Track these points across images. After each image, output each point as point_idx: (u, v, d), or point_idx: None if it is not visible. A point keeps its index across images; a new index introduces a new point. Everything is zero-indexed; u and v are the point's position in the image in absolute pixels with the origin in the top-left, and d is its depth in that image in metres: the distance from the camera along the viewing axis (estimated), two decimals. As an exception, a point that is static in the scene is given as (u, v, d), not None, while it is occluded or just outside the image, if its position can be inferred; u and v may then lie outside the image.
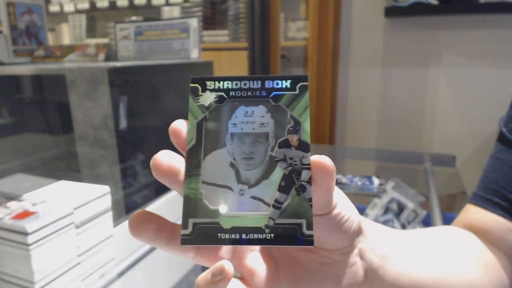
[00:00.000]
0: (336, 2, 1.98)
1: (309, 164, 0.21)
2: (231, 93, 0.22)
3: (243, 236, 0.20)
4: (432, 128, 2.04)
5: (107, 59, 1.03)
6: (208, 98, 0.22)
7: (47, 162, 1.00)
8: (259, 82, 0.22)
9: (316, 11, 1.93)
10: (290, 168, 0.21)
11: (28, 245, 0.46)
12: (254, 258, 0.25)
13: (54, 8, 2.94)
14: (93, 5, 2.81)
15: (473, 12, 1.81)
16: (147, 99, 0.86)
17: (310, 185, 0.21)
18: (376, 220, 0.94)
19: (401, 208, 0.94)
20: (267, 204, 0.21)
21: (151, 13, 2.69)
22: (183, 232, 0.20)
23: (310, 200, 0.20)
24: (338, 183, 1.17)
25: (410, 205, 0.93)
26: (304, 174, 0.21)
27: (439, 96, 2.00)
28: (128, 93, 0.77)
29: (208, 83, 0.22)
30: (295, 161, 0.21)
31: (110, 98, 0.72)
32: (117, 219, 0.69)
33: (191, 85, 0.22)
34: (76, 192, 0.57)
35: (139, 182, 0.81)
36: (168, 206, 0.83)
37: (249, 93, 0.22)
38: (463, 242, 0.40)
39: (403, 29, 1.99)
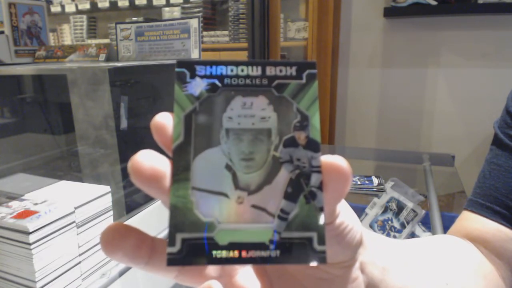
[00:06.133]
0: (335, 3, 1.98)
1: (319, 166, 0.18)
2: (225, 81, 0.19)
3: (243, 253, 0.17)
4: (431, 128, 2.04)
5: (108, 59, 1.03)
6: (198, 86, 0.18)
7: (48, 162, 1.00)
8: (259, 68, 0.19)
9: (315, 11, 1.94)
10: (297, 171, 0.18)
11: (30, 244, 0.47)
12: (246, 275, 0.22)
13: (55, 8, 2.95)
14: (94, 5, 2.82)
15: (471, 13, 1.82)
16: (147, 99, 0.86)
17: (322, 191, 0.18)
18: (375, 219, 0.95)
19: (400, 207, 0.94)
20: (271, 215, 0.18)
21: (151, 14, 2.70)
22: (170, 250, 0.16)
23: (321, 209, 0.17)
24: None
25: (409, 204, 0.94)
26: (314, 179, 0.18)
27: (438, 96, 2.00)
28: (128, 93, 0.78)
29: (197, 67, 0.19)
30: (303, 162, 0.18)
31: (111, 98, 0.73)
32: (118, 219, 0.69)
33: (177, 69, 0.19)
34: (77, 191, 0.57)
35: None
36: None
37: (248, 81, 0.19)
38: (462, 252, 0.39)
39: (402, 29, 2.00)
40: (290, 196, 0.18)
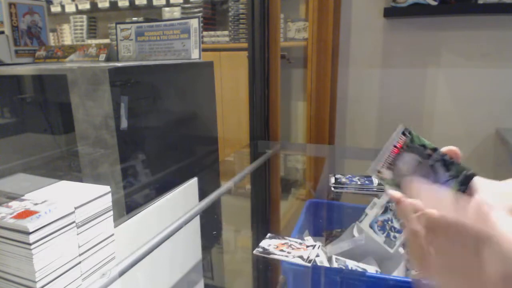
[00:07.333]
0: (335, 3, 1.98)
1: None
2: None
3: None
4: (431, 128, 2.04)
5: (108, 59, 1.03)
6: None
7: (48, 162, 1.00)
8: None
9: (315, 11, 1.94)
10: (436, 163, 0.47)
11: (30, 244, 0.47)
12: None
13: (55, 8, 2.95)
14: (94, 5, 2.82)
15: (471, 13, 1.82)
16: (147, 99, 0.86)
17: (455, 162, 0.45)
18: (375, 219, 0.95)
19: (400, 207, 0.94)
20: None
21: (152, 14, 2.70)
22: None
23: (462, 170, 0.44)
24: (338, 183, 1.17)
25: (409, 204, 0.93)
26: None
27: (438, 96, 2.00)
28: (128, 93, 0.78)
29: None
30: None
31: (111, 98, 0.73)
32: (117, 219, 0.69)
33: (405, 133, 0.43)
34: (77, 191, 0.57)
35: (140, 182, 0.82)
36: (169, 206, 0.84)
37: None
38: None
39: (402, 29, 2.00)
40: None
